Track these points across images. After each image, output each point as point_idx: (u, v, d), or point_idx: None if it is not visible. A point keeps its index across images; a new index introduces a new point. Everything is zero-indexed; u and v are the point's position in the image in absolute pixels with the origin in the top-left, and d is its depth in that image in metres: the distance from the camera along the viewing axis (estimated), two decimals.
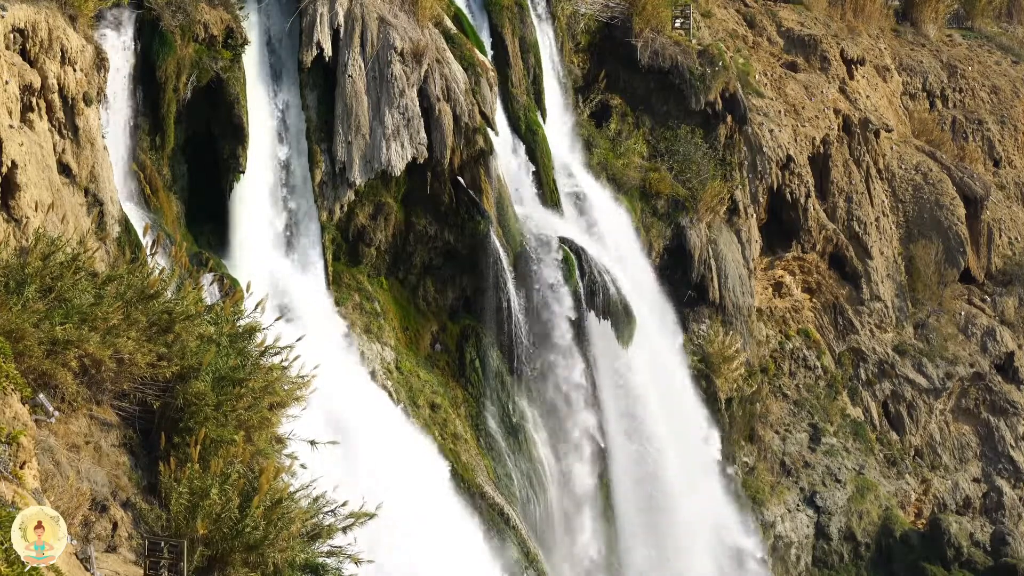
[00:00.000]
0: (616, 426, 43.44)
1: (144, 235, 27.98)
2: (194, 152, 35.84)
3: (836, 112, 56.68)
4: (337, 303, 38.13)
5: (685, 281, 48.28)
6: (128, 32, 34.05)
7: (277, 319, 23.82)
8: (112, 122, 33.20)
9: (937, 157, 61.61)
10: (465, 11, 43.51)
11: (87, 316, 19.55)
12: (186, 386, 20.13)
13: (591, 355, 42.25)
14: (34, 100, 28.70)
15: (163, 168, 34.79)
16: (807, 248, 54.80)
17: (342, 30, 38.02)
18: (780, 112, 54.33)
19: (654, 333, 44.88)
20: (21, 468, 16.22)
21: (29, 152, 26.90)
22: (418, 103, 38.72)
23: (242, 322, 22.66)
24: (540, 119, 44.64)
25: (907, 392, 56.10)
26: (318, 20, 37.44)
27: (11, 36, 28.21)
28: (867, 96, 60.44)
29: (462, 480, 37.87)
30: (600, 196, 46.27)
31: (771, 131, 53.02)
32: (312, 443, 22.43)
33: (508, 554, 37.72)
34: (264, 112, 37.07)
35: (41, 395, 18.55)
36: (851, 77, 60.31)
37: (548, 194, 43.82)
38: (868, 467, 53.50)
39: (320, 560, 19.74)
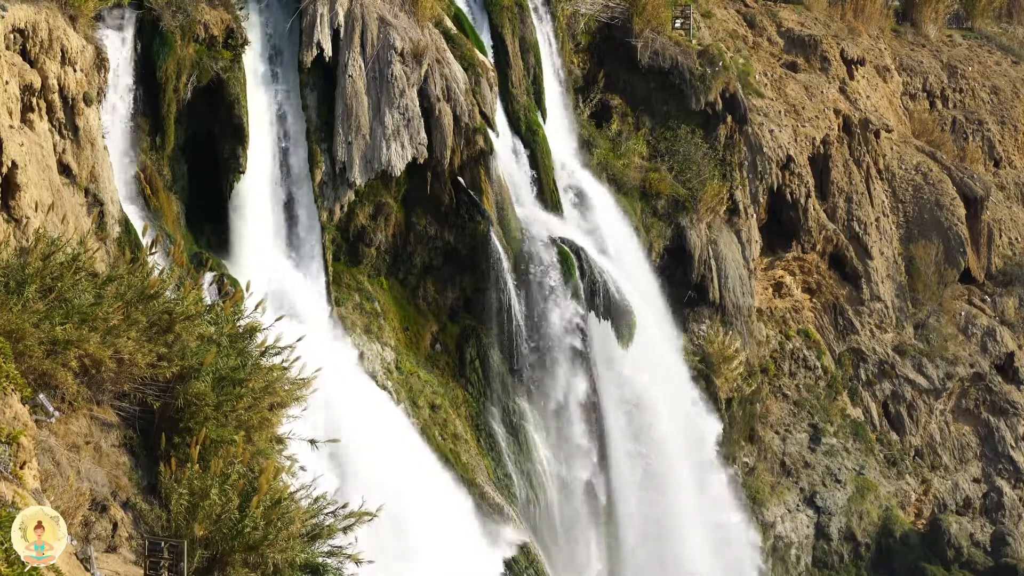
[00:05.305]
0: (616, 426, 43.44)
1: (144, 235, 28.00)
2: (194, 152, 35.85)
3: (836, 112, 56.65)
4: (337, 303, 38.12)
5: (685, 281, 48.28)
6: (128, 32, 34.06)
7: (277, 319, 23.79)
8: (112, 122, 33.19)
9: (937, 157, 61.59)
10: (465, 11, 43.50)
11: (87, 316, 19.52)
12: (186, 386, 20.09)
13: (591, 355, 42.22)
14: (34, 100, 28.71)
15: (163, 168, 34.79)
16: (807, 248, 54.77)
17: (342, 30, 38.02)
18: (780, 112, 54.30)
19: (654, 333, 44.86)
20: (21, 468, 16.21)
21: (29, 152, 26.91)
22: (418, 103, 38.72)
23: (242, 322, 22.62)
24: (540, 119, 44.63)
25: (907, 392, 56.07)
26: (318, 20, 37.44)
27: (11, 36, 28.22)
28: (867, 96, 60.41)
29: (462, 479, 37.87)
30: (600, 196, 46.26)
31: (771, 131, 53.00)
32: (312, 443, 22.42)
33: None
34: (264, 112, 37.08)
35: (41, 395, 18.53)
36: (851, 77, 60.27)
37: (548, 194, 43.82)
38: (868, 467, 53.48)
39: (320, 560, 19.71)
